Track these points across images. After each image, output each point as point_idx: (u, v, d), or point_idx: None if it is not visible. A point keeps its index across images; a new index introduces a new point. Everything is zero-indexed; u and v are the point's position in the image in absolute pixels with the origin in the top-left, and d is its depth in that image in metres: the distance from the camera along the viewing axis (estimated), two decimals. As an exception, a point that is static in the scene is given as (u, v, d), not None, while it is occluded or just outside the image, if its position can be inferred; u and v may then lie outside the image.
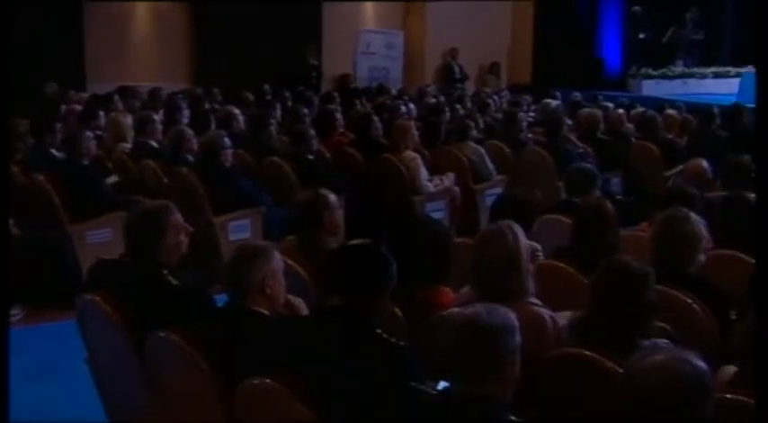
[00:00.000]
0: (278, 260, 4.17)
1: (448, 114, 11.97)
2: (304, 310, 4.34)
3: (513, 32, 21.17)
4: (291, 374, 3.57)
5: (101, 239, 7.36)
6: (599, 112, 11.73)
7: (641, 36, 20.53)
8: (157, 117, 9.88)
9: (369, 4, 20.01)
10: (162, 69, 17.03)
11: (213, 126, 9.76)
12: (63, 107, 11.74)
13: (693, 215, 4.90)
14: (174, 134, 8.85)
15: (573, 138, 10.61)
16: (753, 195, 6.46)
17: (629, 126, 11.86)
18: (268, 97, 13.91)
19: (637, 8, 20.41)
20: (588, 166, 7.33)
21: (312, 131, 9.01)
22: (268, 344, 3.82)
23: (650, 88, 19.69)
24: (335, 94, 14.34)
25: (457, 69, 20.03)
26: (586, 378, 3.71)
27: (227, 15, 17.12)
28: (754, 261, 5.04)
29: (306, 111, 11.17)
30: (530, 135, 10.93)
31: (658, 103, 14.51)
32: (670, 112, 13.17)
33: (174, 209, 4.68)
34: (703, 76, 20.46)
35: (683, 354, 2.84)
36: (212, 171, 7.82)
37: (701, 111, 12.51)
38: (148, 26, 17.51)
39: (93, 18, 16.31)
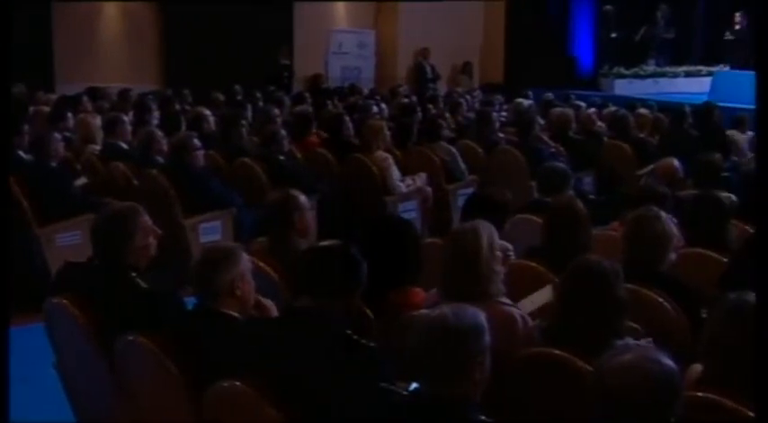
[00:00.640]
0: (246, 261, 4.16)
1: (420, 114, 11.96)
2: (274, 312, 4.31)
3: (486, 32, 21.20)
4: (261, 376, 3.56)
5: (69, 242, 7.30)
6: (571, 112, 11.77)
7: (613, 35, 20.62)
8: (127, 118, 9.82)
9: (340, 4, 19.99)
10: (132, 70, 16.95)
11: (183, 127, 9.71)
12: (31, 108, 11.64)
13: (664, 214, 4.92)
14: (144, 135, 8.80)
15: (545, 137, 10.62)
16: (724, 194, 6.52)
17: (602, 125, 11.89)
18: (239, 98, 13.85)
19: (609, 7, 20.49)
20: (560, 165, 7.34)
21: (283, 132, 8.98)
22: (237, 346, 3.79)
23: (622, 87, 19.77)
24: (307, 95, 14.30)
25: (429, 69, 20.03)
26: (557, 378, 3.71)
27: (197, 15, 17.04)
28: (724, 259, 5.07)
29: (277, 111, 11.13)
30: (502, 135, 10.93)
31: (630, 103, 14.57)
32: (642, 111, 13.21)
33: (142, 211, 4.66)
34: (675, 75, 20.56)
35: (652, 353, 2.84)
36: (182, 172, 7.77)
37: (672, 110, 12.57)
38: (118, 26, 17.41)
39: (62, 18, 16.19)
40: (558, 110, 11.87)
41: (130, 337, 4.06)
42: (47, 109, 11.08)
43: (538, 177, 7.10)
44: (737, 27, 20.49)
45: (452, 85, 20.00)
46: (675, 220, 5.87)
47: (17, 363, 6.12)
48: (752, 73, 18.33)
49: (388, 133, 9.38)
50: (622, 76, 20.17)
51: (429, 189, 8.95)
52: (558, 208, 5.45)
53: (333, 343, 3.60)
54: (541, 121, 11.50)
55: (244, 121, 10.02)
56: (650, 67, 20.67)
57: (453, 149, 9.67)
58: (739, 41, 20.60)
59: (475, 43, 21.09)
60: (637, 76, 20.29)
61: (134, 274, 4.46)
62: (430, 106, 13.47)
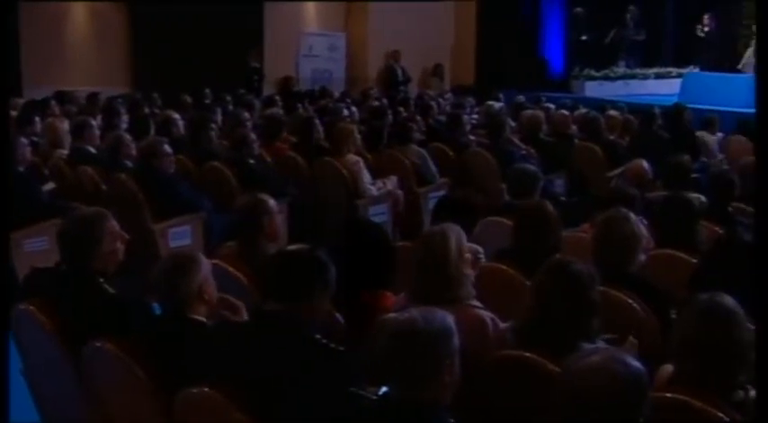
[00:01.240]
0: (206, 263, 4.17)
1: (391, 117, 11.96)
2: (243, 312, 4.31)
3: (456, 34, 21.21)
4: (230, 382, 3.55)
5: (37, 248, 7.23)
6: (541, 114, 11.79)
7: (584, 37, 20.67)
8: (95, 122, 9.75)
9: (311, 6, 19.94)
10: (100, 73, 16.80)
11: (152, 131, 9.66)
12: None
13: (633, 216, 4.93)
14: (112, 140, 8.74)
15: (516, 139, 10.63)
16: (693, 195, 6.55)
17: (573, 127, 11.92)
18: (208, 101, 13.78)
19: (579, 9, 20.55)
20: (530, 167, 7.33)
21: (253, 135, 8.94)
22: (207, 352, 3.78)
23: (593, 89, 19.82)
24: (277, 98, 14.26)
25: (400, 72, 20.02)
26: (528, 380, 3.71)
27: (166, 17, 16.92)
28: (693, 260, 5.09)
29: (247, 115, 11.09)
30: (473, 137, 10.94)
31: (600, 104, 14.61)
32: (612, 112, 13.25)
33: (109, 216, 4.65)
34: (645, 77, 20.64)
35: (619, 354, 2.85)
36: (151, 177, 7.72)
37: (642, 111, 12.61)
38: (86, 29, 17.26)
39: (29, 20, 16.04)
40: (528, 112, 11.90)
41: (98, 343, 4.04)
42: (14, 113, 10.99)
43: (508, 180, 7.10)
44: (706, 29, 20.62)
45: (423, 87, 19.98)
46: (645, 222, 5.92)
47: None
48: (721, 74, 18.53)
49: (358, 136, 9.37)
50: (593, 78, 20.22)
51: (400, 192, 8.94)
52: (527, 210, 5.45)
53: (302, 347, 3.59)
54: (512, 124, 11.51)
55: (213, 125, 9.97)
56: (620, 69, 20.73)
57: (424, 152, 9.66)
58: (708, 43, 20.75)
59: (446, 45, 21.10)
60: (607, 77, 20.35)
61: (102, 280, 4.44)
62: (401, 109, 13.46)
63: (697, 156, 10.45)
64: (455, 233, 4.33)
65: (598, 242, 4.88)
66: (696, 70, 19.79)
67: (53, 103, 12.35)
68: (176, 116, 10.36)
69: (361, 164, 8.80)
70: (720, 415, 3.25)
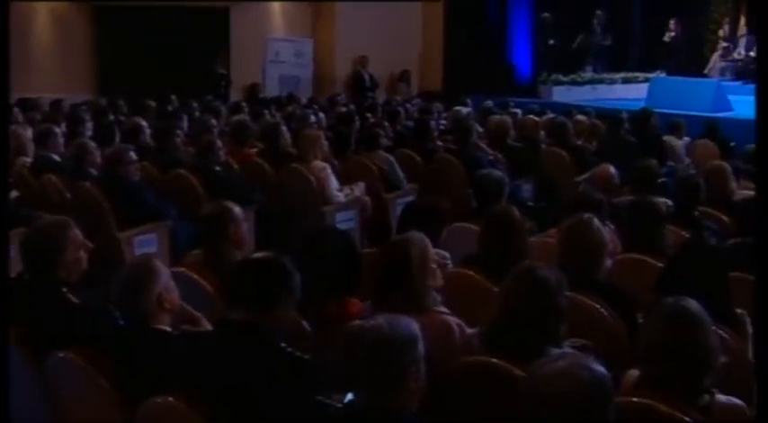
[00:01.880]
0: (164, 270, 4.16)
1: (358, 123, 11.93)
2: (204, 323, 4.28)
3: (424, 40, 21.22)
4: (195, 391, 3.54)
5: (1, 257, 7.16)
6: (509, 119, 11.78)
7: (551, 42, 20.71)
8: (59, 130, 9.65)
9: (277, 12, 19.90)
10: (64, 80, 16.67)
11: (118, 139, 9.58)
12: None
13: (597, 222, 4.93)
14: (77, 147, 8.65)
15: (483, 145, 10.63)
16: (660, 199, 6.57)
17: (540, 132, 11.95)
18: (170, 108, 13.68)
19: (546, 15, 20.59)
20: (496, 172, 7.32)
21: (219, 142, 8.89)
22: (172, 361, 3.77)
23: (560, 94, 19.85)
24: (244, 104, 14.20)
25: (367, 77, 20.02)
26: (494, 386, 3.71)
27: (131, 23, 16.83)
28: (660, 265, 5.10)
29: (214, 121, 11.02)
30: (440, 143, 10.93)
31: (568, 109, 14.65)
32: (579, 117, 13.30)
33: (72, 224, 4.63)
34: (612, 82, 20.70)
35: (584, 360, 2.85)
36: (116, 185, 7.65)
37: (610, 116, 12.66)
38: (49, 35, 17.13)
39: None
40: (496, 117, 11.89)
41: (62, 354, 4.01)
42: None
43: (473, 186, 7.09)
44: (673, 33, 20.75)
45: (391, 93, 20.01)
46: (612, 227, 5.94)
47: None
48: (688, 79, 18.65)
49: (325, 143, 9.33)
50: (560, 83, 20.26)
51: (367, 198, 8.91)
52: (494, 216, 5.44)
53: (267, 356, 3.58)
54: (480, 129, 11.52)
55: (179, 132, 9.91)
56: (588, 74, 20.80)
57: (392, 158, 9.64)
58: (675, 48, 20.88)
59: (413, 51, 21.12)
60: (575, 82, 20.41)
61: (65, 289, 4.41)
62: (368, 115, 13.45)
63: (664, 160, 10.49)
64: (418, 244, 4.33)
65: (563, 249, 4.89)
66: (663, 75, 19.90)
67: (16, 110, 12.23)
68: (143, 123, 10.29)
69: (329, 170, 8.76)
70: (686, 419, 3.26)
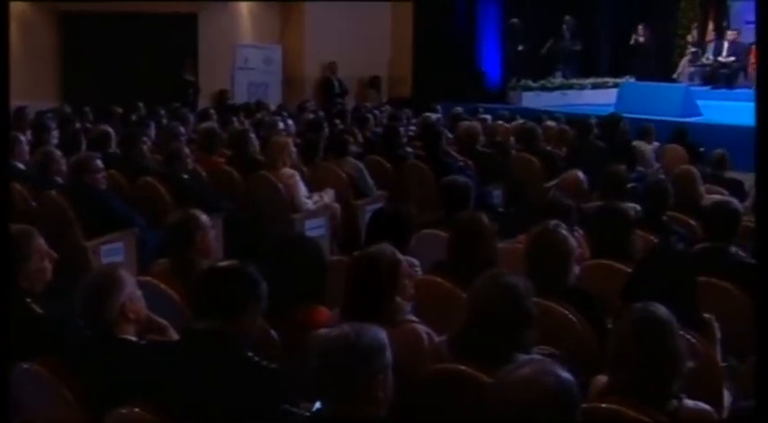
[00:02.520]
0: (129, 279, 4.12)
1: (327, 130, 11.90)
2: (171, 332, 4.24)
3: (393, 46, 21.24)
4: (162, 402, 3.52)
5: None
6: (478, 125, 11.80)
7: (520, 48, 20.77)
8: (24, 138, 9.56)
9: (246, 18, 19.83)
10: (28, 87, 16.47)
11: (84, 146, 9.50)
12: None
13: (563, 229, 4.93)
14: (42, 156, 8.57)
15: (453, 151, 10.63)
16: (629, 204, 6.58)
17: (510, 138, 11.96)
18: (137, 116, 13.56)
19: (515, 20, 20.65)
20: (461, 178, 7.29)
21: (187, 150, 8.83)
22: (137, 372, 3.73)
23: (530, 100, 19.92)
24: (212, 111, 14.13)
25: (336, 84, 20.00)
26: (463, 393, 3.69)
27: (97, 29, 16.72)
28: (628, 270, 5.10)
29: (181, 129, 10.96)
30: (410, 149, 10.92)
31: (538, 115, 14.69)
32: (549, 123, 13.35)
33: (36, 233, 4.61)
34: (582, 87, 20.78)
35: (550, 366, 2.86)
36: (82, 193, 7.58)
37: (579, 122, 12.69)
38: (14, 41, 16.96)
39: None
40: (465, 123, 11.91)
41: (26, 366, 3.96)
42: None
43: (439, 192, 7.06)
44: (641, 39, 20.86)
45: (360, 99, 20.00)
46: (581, 232, 5.94)
47: None
48: (657, 84, 18.76)
49: (294, 150, 9.28)
50: (530, 89, 20.31)
51: (337, 205, 8.88)
52: (463, 223, 5.42)
53: (233, 365, 3.56)
54: (450, 135, 11.52)
55: (146, 139, 9.84)
56: (557, 80, 20.87)
57: (361, 165, 9.62)
58: (644, 52, 20.98)
59: (382, 57, 21.12)
60: (544, 88, 20.47)
61: (29, 299, 4.37)
62: (337, 122, 13.42)
63: (634, 165, 10.51)
64: (388, 257, 4.31)
65: (530, 257, 4.88)
66: (632, 80, 20.00)
67: (-21, 118, 12.10)
68: (111, 131, 10.21)
69: (297, 177, 8.72)
70: (657, 425, 3.25)
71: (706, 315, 4.67)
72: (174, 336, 4.26)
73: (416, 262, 5.33)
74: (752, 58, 20.82)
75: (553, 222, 4.96)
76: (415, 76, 20.90)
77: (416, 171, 9.73)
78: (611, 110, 15.41)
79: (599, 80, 21.02)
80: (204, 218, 5.31)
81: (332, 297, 4.63)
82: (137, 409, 3.50)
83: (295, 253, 4.78)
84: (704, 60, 21.41)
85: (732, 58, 20.76)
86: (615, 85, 19.78)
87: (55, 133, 10.41)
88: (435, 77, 19.92)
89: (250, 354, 3.59)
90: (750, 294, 5.35)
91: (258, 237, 7.98)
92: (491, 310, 3.82)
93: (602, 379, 3.63)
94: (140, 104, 14.30)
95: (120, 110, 13.26)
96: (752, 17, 21.72)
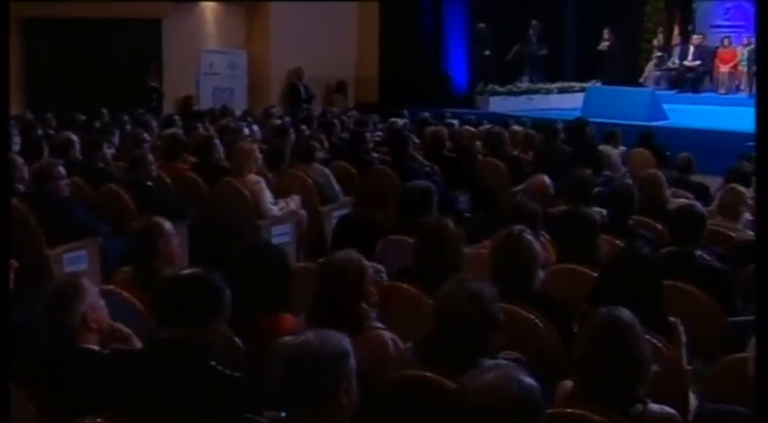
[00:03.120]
0: (91, 288, 4.10)
1: (293, 136, 11.85)
2: (135, 341, 4.20)
3: (360, 51, 21.20)
4: (123, 412, 3.49)
5: None
6: (445, 130, 11.79)
7: (487, 53, 20.82)
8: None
9: (210, 23, 19.72)
10: (-11, 93, 16.37)
11: (46, 153, 9.40)
12: None
13: (528, 234, 4.93)
14: (3, 163, 8.49)
15: (419, 156, 10.61)
16: (595, 209, 6.59)
17: (477, 143, 11.96)
18: (100, 122, 13.43)
19: (482, 25, 20.69)
20: (422, 183, 7.20)
21: (151, 156, 8.75)
22: (100, 382, 3.71)
23: (497, 105, 19.98)
24: (177, 117, 14.02)
25: (302, 89, 19.93)
26: (428, 399, 3.66)
27: (60, 34, 16.55)
28: (594, 274, 5.11)
29: (145, 135, 10.88)
30: (376, 155, 10.90)
31: (504, 120, 14.72)
32: (515, 128, 13.37)
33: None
34: (548, 92, 20.87)
35: (513, 372, 2.86)
36: (45, 201, 7.50)
37: (545, 126, 12.72)
38: (-26, 47, 16.83)
39: None
40: (431, 128, 11.90)
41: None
42: None
43: (400, 198, 7.00)
44: (607, 43, 20.98)
45: (327, 105, 19.95)
46: (547, 237, 5.95)
47: None
48: (623, 88, 18.88)
49: (259, 156, 9.23)
50: (497, 94, 20.38)
51: (303, 212, 8.84)
52: (429, 228, 5.40)
53: (197, 374, 3.54)
54: (417, 140, 11.50)
55: (110, 146, 9.75)
56: (524, 84, 20.95)
57: (327, 171, 9.57)
58: (610, 57, 21.11)
59: (349, 62, 21.08)
60: (511, 93, 20.54)
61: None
62: (303, 127, 13.36)
63: (600, 169, 10.57)
64: (354, 264, 4.30)
65: (496, 261, 4.88)
66: (598, 84, 20.12)
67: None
68: (74, 137, 10.10)
69: (263, 184, 8.68)
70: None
71: (672, 319, 4.69)
72: (138, 344, 4.22)
73: (382, 268, 5.32)
74: (717, 62, 21.05)
75: (518, 227, 4.96)
76: (382, 82, 20.88)
77: (382, 176, 9.71)
78: (578, 114, 15.44)
79: (565, 85, 21.13)
80: (168, 225, 5.28)
81: (297, 304, 4.61)
82: (99, 420, 3.47)
83: (260, 260, 4.76)
84: (670, 64, 21.59)
85: (698, 62, 20.96)
86: (581, 90, 19.87)
87: (17, 140, 10.29)
88: (402, 82, 19.93)
89: (213, 363, 3.55)
90: (715, 298, 5.39)
91: (223, 244, 7.92)
92: (457, 315, 3.81)
93: (568, 384, 3.64)
94: (104, 111, 14.17)
95: (83, 117, 13.13)
96: (717, 21, 21.97)
